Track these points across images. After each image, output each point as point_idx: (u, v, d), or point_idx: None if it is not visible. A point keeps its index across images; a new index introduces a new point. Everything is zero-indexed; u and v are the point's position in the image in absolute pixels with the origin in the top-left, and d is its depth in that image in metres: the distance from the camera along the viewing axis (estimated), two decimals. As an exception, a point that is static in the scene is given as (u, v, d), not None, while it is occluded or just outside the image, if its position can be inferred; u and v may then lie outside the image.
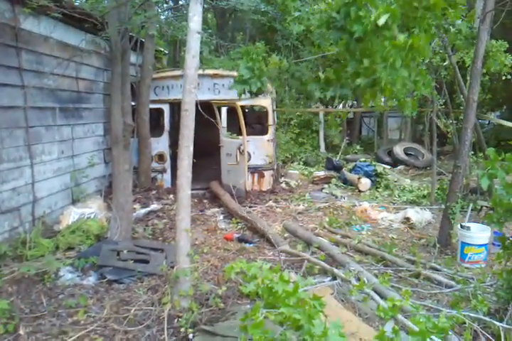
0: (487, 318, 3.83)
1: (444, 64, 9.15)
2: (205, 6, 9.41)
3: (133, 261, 5.78)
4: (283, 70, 5.26)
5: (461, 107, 9.39)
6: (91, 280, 5.48)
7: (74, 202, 7.84)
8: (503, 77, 9.34)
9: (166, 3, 17.19)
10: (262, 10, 10.92)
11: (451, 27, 7.35)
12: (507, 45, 8.10)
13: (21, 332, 4.15)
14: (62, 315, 4.60)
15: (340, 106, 21.10)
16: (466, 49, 8.21)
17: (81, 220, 6.83)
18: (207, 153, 11.59)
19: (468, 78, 7.49)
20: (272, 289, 2.82)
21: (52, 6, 6.38)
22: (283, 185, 11.35)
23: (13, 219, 6.24)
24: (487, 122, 18.76)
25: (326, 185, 11.58)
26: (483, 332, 3.71)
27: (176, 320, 4.42)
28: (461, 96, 8.74)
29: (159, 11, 10.50)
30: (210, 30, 14.74)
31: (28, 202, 6.57)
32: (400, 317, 3.63)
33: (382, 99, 14.76)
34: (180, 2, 15.84)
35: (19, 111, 6.39)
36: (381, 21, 3.46)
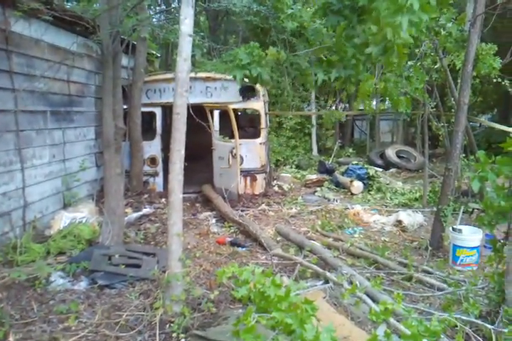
0: (479, 321, 3.84)
1: (435, 67, 9.19)
2: (198, 8, 9.40)
3: (125, 265, 5.75)
4: (281, 61, 5.25)
5: (453, 110, 9.42)
6: (82, 285, 5.43)
7: (65, 206, 7.78)
8: (494, 80, 9.40)
9: (158, 5, 17.22)
10: (255, 10, 10.91)
11: (441, 29, 7.40)
12: (496, 48, 8.14)
13: (11, 338, 4.11)
14: (53, 321, 4.56)
15: (333, 108, 21.16)
16: (457, 52, 8.26)
17: (72, 225, 6.79)
18: (199, 156, 11.55)
19: (459, 81, 7.52)
20: (264, 293, 2.81)
21: (43, 8, 6.35)
22: (275, 188, 11.35)
23: (4, 224, 6.18)
24: (478, 125, 18.86)
25: (318, 188, 11.60)
26: (475, 335, 3.71)
27: (167, 325, 4.39)
28: (452, 99, 8.78)
29: (151, 13, 10.48)
30: (202, 33, 14.73)
31: (18, 206, 6.52)
32: (392, 320, 3.63)
33: (373, 102, 14.84)
34: (172, 5, 15.81)
35: (9, 114, 6.33)
36: None
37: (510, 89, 10.12)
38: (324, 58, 4.49)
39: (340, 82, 4.54)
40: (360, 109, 16.41)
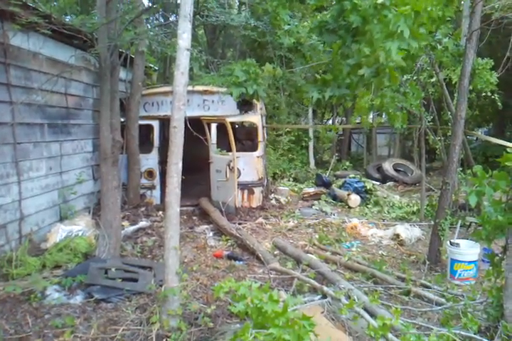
0: (477, 336, 3.80)
1: (432, 81, 9.25)
2: (196, 22, 9.47)
3: (121, 279, 5.71)
4: (277, 77, 5.28)
5: (449, 124, 9.47)
6: (78, 299, 5.39)
7: (62, 219, 7.75)
8: (483, 94, 9.46)
9: (156, 19, 17.33)
10: (252, 25, 11.02)
11: (438, 44, 7.45)
12: (492, 63, 8.21)
13: (5, 353, 4.06)
14: (48, 336, 4.51)
15: (330, 122, 21.27)
16: (453, 66, 8.32)
17: (69, 238, 6.75)
18: (196, 169, 11.55)
19: (455, 95, 7.57)
20: (262, 309, 2.78)
21: (42, 22, 6.38)
22: (273, 201, 11.33)
23: (-1, 237, 6.15)
24: (475, 138, 18.94)
25: (315, 202, 11.58)
26: (474, 350, 3.68)
27: (164, 340, 4.35)
28: (449, 113, 8.82)
29: (149, 27, 10.55)
30: (200, 47, 14.83)
31: (14, 219, 6.49)
32: (390, 336, 3.59)
33: (370, 116, 14.91)
34: (170, 19, 15.92)
35: (7, 127, 6.34)
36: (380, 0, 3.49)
37: (499, 103, 10.20)
38: (319, 77, 4.52)
39: (335, 99, 4.58)
40: (357, 123, 16.46)
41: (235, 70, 4.43)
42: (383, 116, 15.76)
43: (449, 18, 4.86)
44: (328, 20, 4.14)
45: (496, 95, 9.63)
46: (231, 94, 4.56)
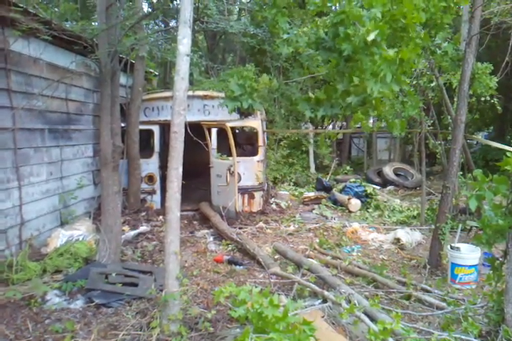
0: (478, 341, 3.80)
1: (432, 85, 9.26)
2: (196, 28, 9.50)
3: (121, 284, 5.70)
4: (273, 90, 5.30)
5: (449, 128, 9.48)
6: (78, 304, 5.38)
7: (62, 224, 7.76)
8: (482, 99, 9.47)
9: (157, 25, 17.40)
10: (251, 32, 11.06)
11: (437, 49, 7.48)
12: (492, 67, 8.23)
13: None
14: (49, 341, 4.51)
15: (330, 127, 21.26)
16: (453, 71, 8.33)
17: (69, 243, 6.75)
18: (197, 173, 11.57)
19: (455, 99, 7.58)
20: (262, 314, 2.78)
21: (42, 28, 6.41)
22: (273, 205, 11.32)
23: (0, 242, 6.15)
24: (475, 142, 18.94)
25: (316, 206, 11.58)
26: (475, 355, 3.68)
27: (164, 345, 4.34)
28: (449, 117, 8.84)
29: (149, 33, 10.58)
30: (200, 52, 14.86)
31: (15, 224, 6.49)
32: (391, 340, 3.59)
33: (371, 121, 14.92)
34: (170, 24, 15.97)
35: (7, 132, 6.35)
36: (370, 37, 3.54)
37: (499, 108, 10.21)
38: (312, 96, 4.56)
39: (328, 117, 4.67)
40: (358, 127, 16.47)
41: (231, 84, 4.45)
42: (383, 120, 15.79)
43: (447, 25, 4.90)
44: (324, 37, 4.18)
45: (495, 99, 9.65)
46: (226, 106, 4.58)
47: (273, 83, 5.07)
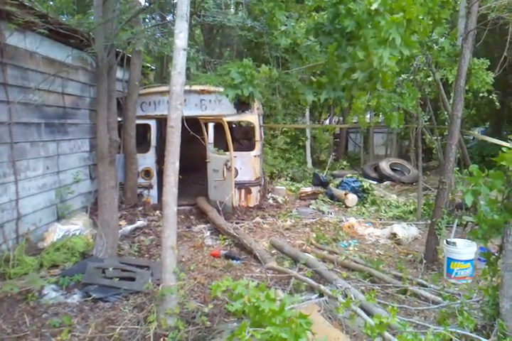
0: (474, 335, 3.81)
1: (428, 80, 9.26)
2: (193, 22, 9.47)
3: (118, 278, 5.71)
4: (273, 79, 5.30)
5: (446, 123, 9.49)
6: (75, 298, 5.39)
7: (59, 218, 7.75)
8: (480, 94, 9.48)
9: (153, 19, 17.31)
10: (249, 26, 11.01)
11: (434, 44, 7.47)
12: (489, 63, 8.23)
13: (2, 352, 4.06)
14: (46, 335, 4.52)
15: (327, 121, 21.27)
16: (449, 66, 8.33)
17: (66, 237, 6.75)
18: (194, 168, 11.56)
19: (451, 95, 7.58)
20: (259, 308, 2.79)
21: (38, 21, 6.37)
22: (270, 200, 11.34)
23: (-4, 237, 6.15)
24: (471, 138, 18.98)
25: (313, 201, 11.60)
26: (471, 349, 3.69)
27: (162, 339, 4.34)
28: (446, 112, 8.84)
29: (146, 27, 10.54)
30: (197, 47, 14.81)
31: (11, 218, 6.48)
32: (387, 334, 3.61)
33: (367, 116, 14.92)
34: (167, 18, 15.91)
35: (3, 126, 6.33)
36: (374, 6, 3.53)
37: (497, 103, 10.21)
38: (314, 79, 4.55)
39: (331, 101, 4.63)
40: (354, 122, 16.50)
41: (231, 72, 4.45)
42: (380, 115, 15.79)
43: (444, 20, 4.90)
44: (324, 22, 4.17)
45: (493, 95, 9.66)
46: (227, 96, 4.57)
47: (273, 72, 5.08)
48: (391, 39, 3.60)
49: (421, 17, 3.87)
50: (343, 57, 4.16)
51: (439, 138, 9.77)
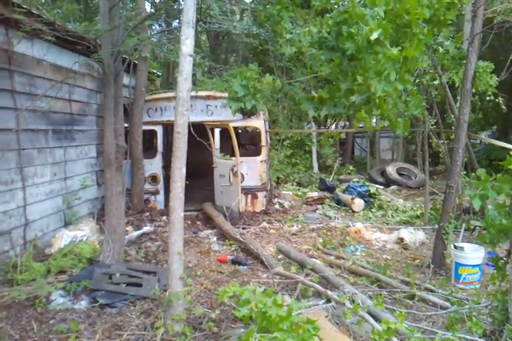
0: (482, 340, 3.79)
1: (435, 83, 9.24)
2: (199, 28, 9.51)
3: (125, 284, 5.71)
4: (276, 89, 5.31)
5: (453, 127, 9.47)
6: (83, 304, 5.39)
7: (66, 224, 7.77)
8: (487, 98, 9.45)
9: (160, 25, 17.40)
10: (254, 33, 11.07)
11: (439, 47, 7.47)
12: (493, 66, 8.21)
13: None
14: (53, 341, 4.52)
15: (333, 126, 21.25)
16: (455, 69, 8.32)
17: (73, 243, 6.77)
18: (200, 174, 11.58)
19: (458, 98, 7.57)
20: (266, 313, 2.79)
21: (46, 29, 6.42)
22: (276, 205, 11.33)
23: (4, 243, 6.16)
24: (478, 141, 18.91)
25: (319, 206, 11.57)
26: (480, 354, 3.67)
27: (168, 345, 4.35)
28: (452, 116, 8.82)
29: (152, 33, 10.60)
30: (203, 53, 14.88)
31: (19, 225, 6.51)
32: (395, 340, 3.59)
33: (374, 120, 14.90)
34: (173, 25, 15.99)
35: (11, 133, 6.36)
36: (374, 36, 3.54)
37: (503, 106, 10.18)
38: (316, 94, 4.56)
39: (331, 116, 4.66)
40: (360, 127, 16.49)
41: (234, 84, 4.46)
42: (386, 120, 15.77)
43: (450, 22, 4.89)
44: (327, 37, 4.19)
45: (500, 98, 9.63)
46: (230, 107, 4.60)
47: (276, 83, 5.08)
48: (386, 74, 3.63)
49: (417, 57, 3.92)
50: (345, 71, 4.18)
51: (445, 142, 9.74)
